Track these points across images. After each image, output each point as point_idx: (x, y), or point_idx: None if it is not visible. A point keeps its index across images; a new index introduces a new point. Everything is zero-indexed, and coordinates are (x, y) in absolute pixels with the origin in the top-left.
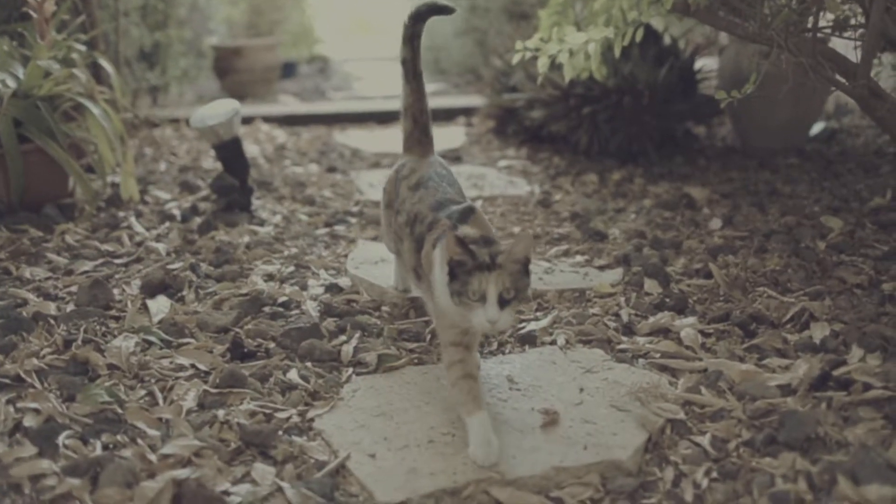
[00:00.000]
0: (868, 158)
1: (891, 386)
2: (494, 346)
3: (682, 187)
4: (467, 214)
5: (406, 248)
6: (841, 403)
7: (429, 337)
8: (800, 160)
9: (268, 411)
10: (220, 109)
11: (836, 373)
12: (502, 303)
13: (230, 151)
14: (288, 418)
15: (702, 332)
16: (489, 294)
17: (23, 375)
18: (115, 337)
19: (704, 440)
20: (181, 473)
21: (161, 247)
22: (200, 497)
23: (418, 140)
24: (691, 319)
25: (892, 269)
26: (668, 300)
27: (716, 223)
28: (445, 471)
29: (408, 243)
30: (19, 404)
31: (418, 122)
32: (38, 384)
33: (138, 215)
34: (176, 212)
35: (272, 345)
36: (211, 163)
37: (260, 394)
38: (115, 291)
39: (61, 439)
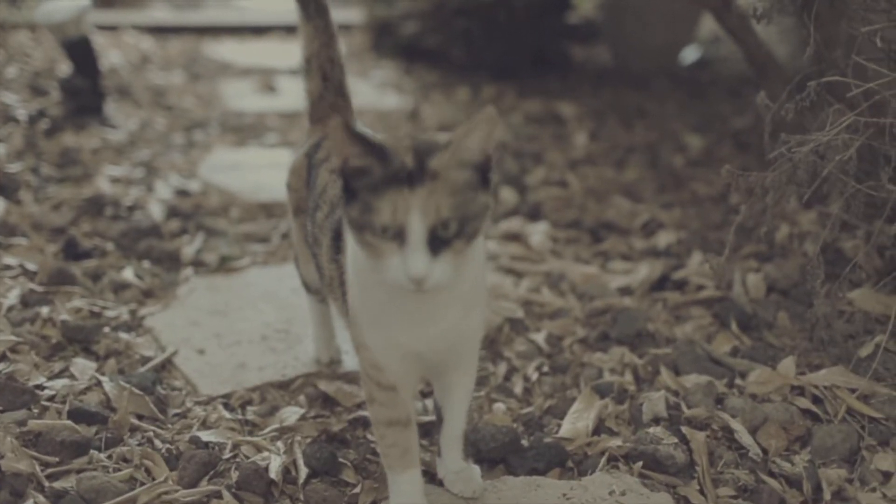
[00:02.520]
0: (735, 84)
1: (721, 286)
2: None
3: (552, 104)
4: None
5: (324, 251)
6: (675, 303)
7: (275, 238)
8: (671, 83)
9: (96, 309)
10: (67, 4)
11: (674, 276)
12: (436, 244)
13: (79, 51)
14: (117, 316)
15: (552, 238)
16: (410, 227)
17: None
18: None
19: (539, 337)
20: None
21: (1, 149)
22: (10, 390)
23: (331, 105)
24: (543, 225)
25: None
26: (522, 207)
27: (581, 138)
28: (275, 365)
29: (326, 240)
30: None
31: (329, 78)
32: None
33: None
34: (22, 114)
35: (109, 245)
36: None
37: (90, 292)
38: None
39: None
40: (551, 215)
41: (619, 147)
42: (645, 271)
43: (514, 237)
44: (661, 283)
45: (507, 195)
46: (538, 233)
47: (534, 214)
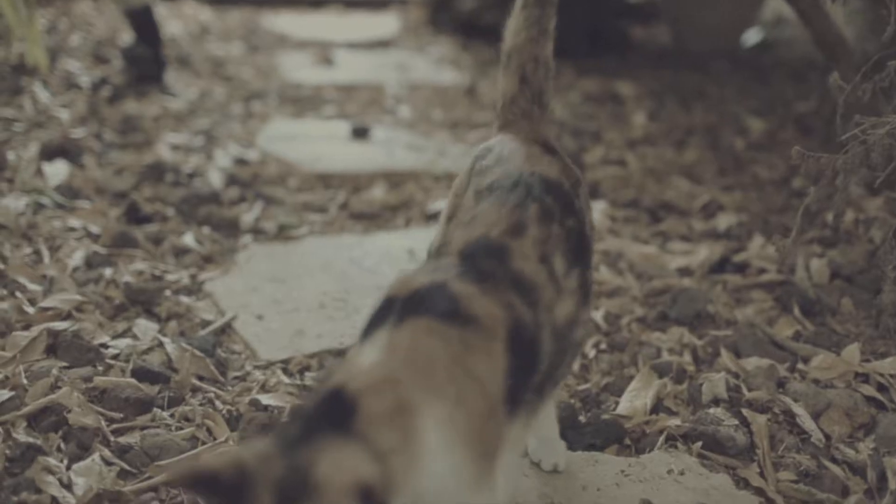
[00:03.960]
0: (799, 68)
1: (784, 269)
2: None
3: (610, 83)
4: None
5: None
6: (735, 286)
7: (332, 209)
8: (732, 65)
9: (157, 273)
10: None
11: (735, 258)
12: None
13: (141, 20)
14: (178, 280)
15: (610, 217)
16: None
17: None
18: (4, 196)
19: (597, 315)
20: (58, 325)
21: (65, 114)
22: (75, 348)
23: (524, 113)
24: (601, 204)
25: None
26: None
27: (639, 118)
28: (333, 333)
29: None
30: None
31: (529, 80)
32: None
33: (44, 83)
34: (85, 81)
35: (170, 210)
36: (129, 39)
37: (152, 256)
38: (11, 154)
39: None
40: (609, 194)
41: (679, 128)
42: (705, 253)
43: None
44: (721, 266)
45: None
46: (596, 211)
47: (591, 193)
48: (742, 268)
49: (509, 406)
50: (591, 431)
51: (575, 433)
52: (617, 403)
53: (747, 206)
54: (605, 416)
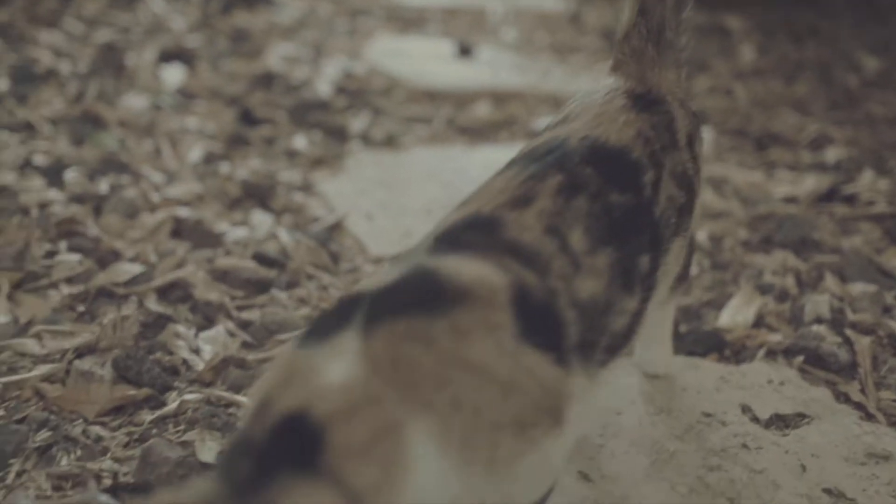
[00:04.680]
0: None
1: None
2: None
3: (718, 16)
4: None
5: None
6: (843, 216)
7: (437, 122)
8: (846, 2)
9: (271, 171)
10: None
11: (843, 190)
12: None
13: None
14: (290, 178)
15: (716, 144)
16: None
17: (34, 123)
18: (126, 96)
19: (701, 234)
20: (182, 212)
21: (179, 23)
22: (198, 232)
23: (635, 51)
24: (706, 130)
25: None
26: None
27: (748, 52)
28: None
29: None
30: (30, 145)
31: (648, 13)
32: (48, 130)
33: None
34: None
35: (281, 115)
36: None
37: (265, 155)
38: (130, 58)
39: (68, 174)
40: (716, 122)
41: (789, 63)
42: (812, 183)
43: None
44: (828, 196)
45: None
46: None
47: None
48: (850, 199)
49: (556, 357)
50: (691, 340)
51: (675, 341)
52: (717, 318)
53: (858, 141)
54: (706, 328)
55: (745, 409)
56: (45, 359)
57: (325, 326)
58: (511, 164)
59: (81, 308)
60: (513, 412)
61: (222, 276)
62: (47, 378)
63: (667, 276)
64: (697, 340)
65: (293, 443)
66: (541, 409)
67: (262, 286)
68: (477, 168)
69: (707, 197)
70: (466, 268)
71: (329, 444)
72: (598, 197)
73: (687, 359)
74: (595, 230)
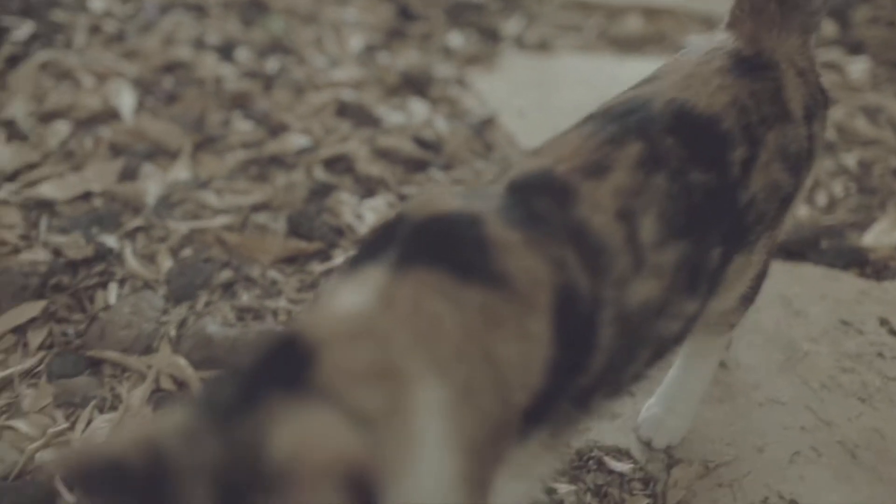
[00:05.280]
0: None
1: None
2: None
3: None
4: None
5: None
6: None
7: (588, 31)
8: None
9: (427, 64)
10: None
11: None
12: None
13: None
14: (446, 72)
15: (872, 74)
16: None
17: (205, 5)
18: None
19: (850, 159)
20: (345, 94)
21: None
22: (360, 114)
23: (754, 6)
24: (864, 61)
25: None
26: (843, 39)
27: None
28: None
29: None
30: (203, 24)
31: None
32: (219, 11)
33: None
34: None
35: (437, 13)
36: None
37: (421, 50)
38: None
39: (239, 53)
40: (874, 52)
41: None
42: None
43: (831, 66)
44: None
45: (827, 27)
46: (858, 66)
47: (855, 48)
48: None
49: (529, 419)
50: (832, 254)
51: (816, 254)
52: (861, 238)
53: None
54: (849, 244)
55: (884, 321)
56: (224, 211)
57: (360, 255)
58: (587, 119)
59: (255, 171)
60: (496, 450)
61: (383, 154)
62: (227, 227)
63: (737, 281)
64: (838, 255)
65: (282, 364)
66: (494, 468)
67: (419, 165)
68: (626, 78)
69: (860, 124)
70: (518, 254)
71: (320, 363)
72: (679, 175)
73: (827, 270)
74: (669, 217)
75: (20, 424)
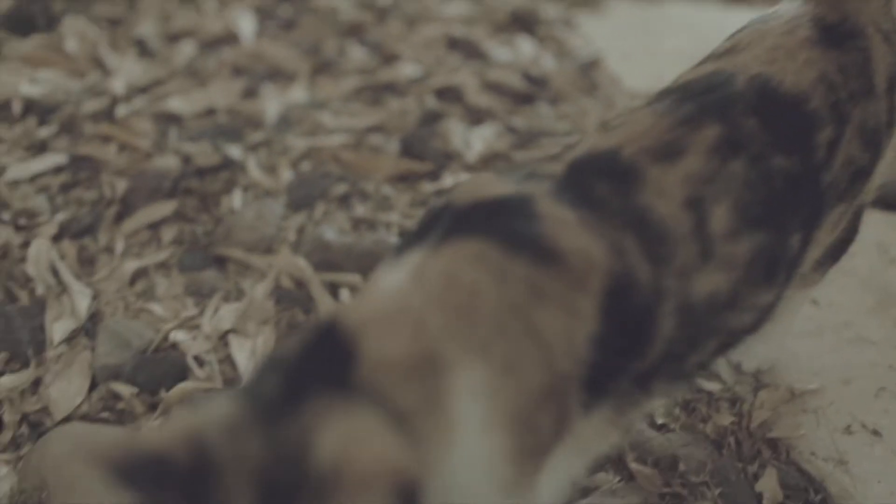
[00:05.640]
0: None
1: None
2: None
3: None
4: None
5: None
6: None
7: None
8: None
9: (535, 4)
10: None
11: None
12: None
13: None
14: (553, 14)
15: None
16: None
17: None
18: None
19: None
20: (455, 28)
21: None
22: (469, 47)
23: None
24: None
25: None
26: None
27: None
28: None
29: None
30: None
31: None
32: None
33: None
34: None
35: None
36: None
37: None
38: None
39: None
40: None
41: None
42: None
43: None
44: None
45: None
46: None
47: None
48: None
49: (588, 391)
50: None
51: None
52: None
53: None
54: None
55: None
56: (340, 131)
57: (405, 241)
58: (663, 94)
59: (369, 96)
60: (540, 421)
61: (491, 87)
62: (343, 146)
63: (815, 252)
64: None
65: (324, 357)
66: (549, 440)
67: (527, 99)
68: (732, 27)
69: None
70: (572, 231)
71: (362, 358)
72: (759, 161)
73: None
74: (745, 206)
75: (155, 308)
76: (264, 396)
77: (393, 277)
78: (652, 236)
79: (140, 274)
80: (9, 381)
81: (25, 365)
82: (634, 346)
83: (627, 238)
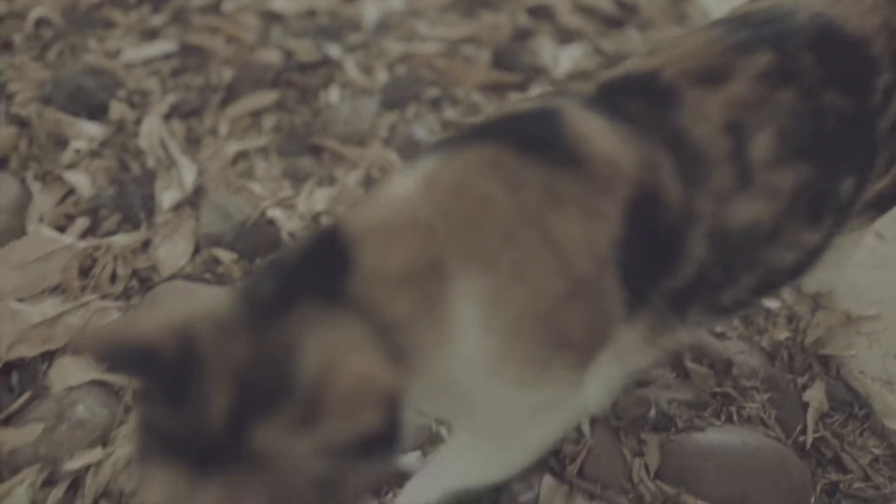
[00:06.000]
0: None
1: None
2: None
3: None
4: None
5: None
6: None
7: None
8: None
9: None
10: None
11: None
12: None
13: None
14: None
15: None
16: None
17: None
18: None
19: None
20: None
21: None
22: None
23: None
24: None
25: None
26: None
27: None
28: None
29: None
30: None
31: None
32: None
33: None
34: None
35: None
36: None
37: None
38: None
39: None
40: None
41: None
42: None
43: None
44: None
45: None
46: None
47: None
48: None
49: (623, 294)
50: None
51: None
52: None
53: None
54: None
55: None
56: (434, 39)
57: (426, 149)
58: (717, 23)
59: (463, 8)
60: (565, 321)
61: (583, 9)
62: (437, 54)
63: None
64: None
65: (321, 262)
66: (587, 340)
67: (616, 23)
68: None
69: None
70: (600, 137)
71: (357, 265)
72: (811, 95)
73: None
74: (792, 137)
75: (254, 187)
76: (258, 297)
77: (404, 184)
78: (686, 157)
79: (241, 156)
80: (122, 239)
81: (137, 227)
82: (662, 260)
83: (660, 154)
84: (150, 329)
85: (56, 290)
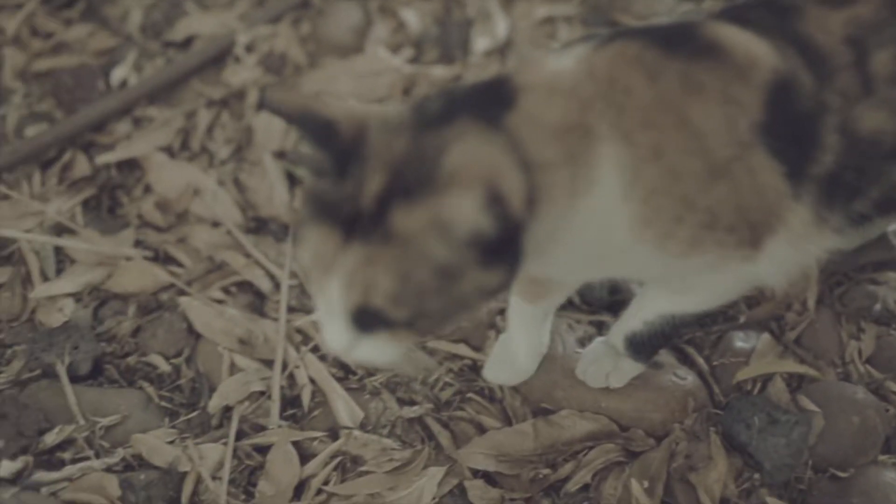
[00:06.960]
0: None
1: None
2: None
3: None
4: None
5: None
6: None
7: None
8: None
9: None
10: None
11: None
12: (366, 321)
13: None
14: None
15: None
16: (328, 292)
17: None
18: None
19: None
20: None
21: None
22: None
23: None
24: None
25: None
26: None
27: None
28: None
29: None
30: None
31: None
32: None
33: None
34: None
35: None
36: None
37: None
38: None
39: None
40: None
41: None
42: None
43: None
44: None
45: None
46: None
47: None
48: None
49: (786, 168)
50: None
51: None
52: None
53: None
54: None
55: None
56: None
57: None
58: None
59: None
60: (711, 201)
61: None
62: None
63: None
64: None
65: (487, 98)
66: (742, 218)
67: None
68: None
69: None
70: (733, 31)
71: (520, 106)
72: None
73: None
74: None
75: (555, 47)
76: (426, 109)
77: (562, 62)
78: (812, 56)
79: (548, 20)
80: (440, 71)
81: (452, 63)
82: (804, 144)
83: (789, 50)
84: (335, 109)
85: (381, 101)
